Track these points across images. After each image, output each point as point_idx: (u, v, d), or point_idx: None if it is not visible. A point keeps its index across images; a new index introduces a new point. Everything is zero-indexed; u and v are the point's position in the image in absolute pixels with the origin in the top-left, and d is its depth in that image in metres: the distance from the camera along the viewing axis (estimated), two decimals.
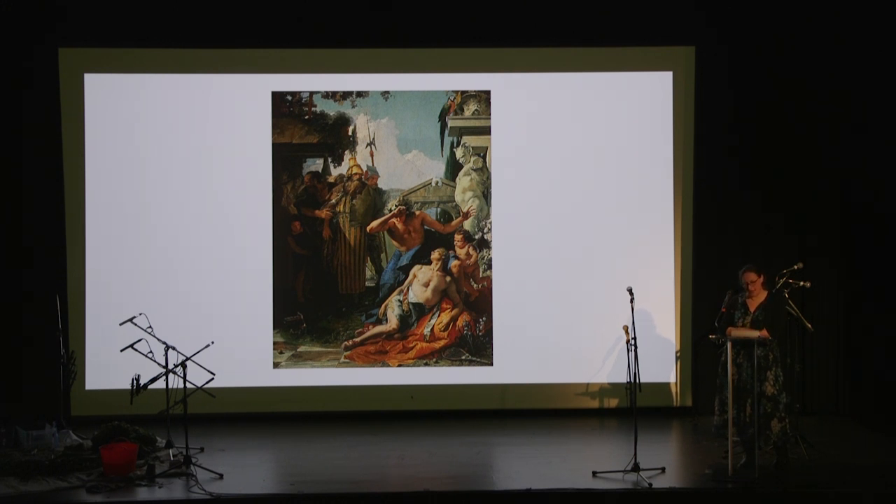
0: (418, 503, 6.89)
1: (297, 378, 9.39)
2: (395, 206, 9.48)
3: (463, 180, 9.51)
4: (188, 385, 7.56)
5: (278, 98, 9.41)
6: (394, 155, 9.49)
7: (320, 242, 9.47)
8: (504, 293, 9.47)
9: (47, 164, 9.21)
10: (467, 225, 9.52)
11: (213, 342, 7.91)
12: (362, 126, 9.46)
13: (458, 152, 9.50)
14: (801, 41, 9.39)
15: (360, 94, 9.44)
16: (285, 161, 9.43)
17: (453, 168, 9.51)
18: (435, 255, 9.51)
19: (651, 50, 9.48)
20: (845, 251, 9.49)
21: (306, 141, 9.45)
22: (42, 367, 8.99)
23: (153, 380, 7.71)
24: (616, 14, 9.36)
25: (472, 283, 9.52)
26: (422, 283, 9.49)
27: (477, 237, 9.52)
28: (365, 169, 9.48)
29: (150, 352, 7.90)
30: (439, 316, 9.50)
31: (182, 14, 9.22)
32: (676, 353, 9.47)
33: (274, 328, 9.39)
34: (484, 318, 9.49)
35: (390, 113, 9.47)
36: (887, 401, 9.21)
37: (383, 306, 9.48)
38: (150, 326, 7.90)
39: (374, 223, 9.49)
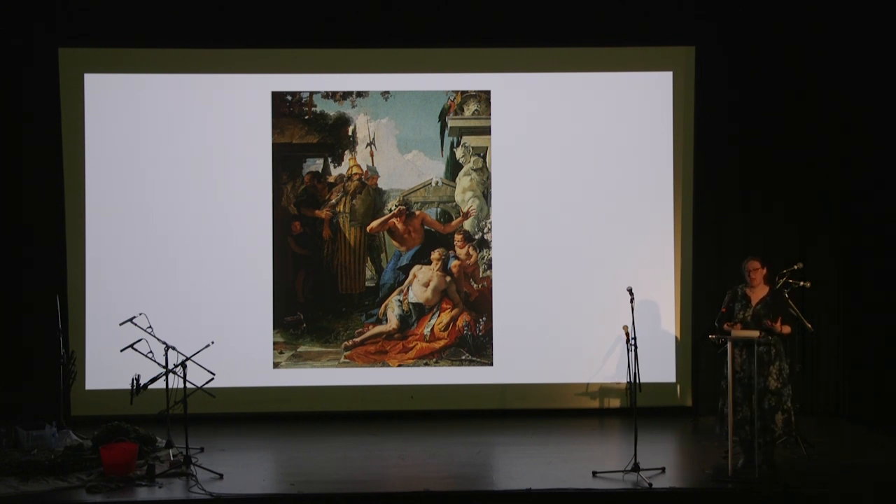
0: (418, 503, 6.89)
1: (297, 378, 9.39)
2: (395, 206, 9.48)
3: (463, 180, 9.51)
4: (188, 385, 7.56)
5: (278, 98, 9.41)
6: (394, 155, 9.49)
7: (320, 242, 9.47)
8: (504, 293, 9.47)
9: (47, 164, 9.21)
10: (467, 225, 9.52)
11: (213, 342, 7.91)
12: (362, 126, 9.46)
13: (458, 152, 9.50)
14: (801, 40, 9.40)
15: (360, 94, 9.44)
16: (285, 161, 9.43)
17: (453, 168, 9.51)
18: (435, 255, 9.51)
19: (651, 50, 9.48)
20: (845, 251, 9.49)
21: (306, 141, 9.45)
22: (42, 367, 9.00)
23: (153, 380, 7.71)
24: (616, 14, 9.36)
25: (472, 283, 9.52)
26: (422, 283, 9.49)
27: (477, 237, 9.52)
28: (365, 169, 9.48)
29: (150, 352, 7.89)
30: (439, 316, 9.50)
31: (182, 14, 9.22)
32: (677, 352, 9.47)
33: (274, 328, 9.39)
34: (484, 318, 9.49)
35: (390, 113, 9.47)
36: (887, 401, 9.21)
37: (383, 306, 9.48)
38: (150, 326, 7.90)
39: (374, 223, 9.49)
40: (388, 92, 9.46)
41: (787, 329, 7.49)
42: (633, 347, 7.36)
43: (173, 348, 7.73)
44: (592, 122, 9.49)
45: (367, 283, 9.49)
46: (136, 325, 7.91)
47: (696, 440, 8.51)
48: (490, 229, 9.50)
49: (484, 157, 9.50)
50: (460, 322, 9.50)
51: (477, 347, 9.49)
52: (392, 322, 9.48)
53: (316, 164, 9.47)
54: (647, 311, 9.21)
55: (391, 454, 8.08)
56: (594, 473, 7.28)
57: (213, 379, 7.82)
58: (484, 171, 9.50)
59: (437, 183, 9.51)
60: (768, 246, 9.37)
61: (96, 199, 9.29)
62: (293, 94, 9.43)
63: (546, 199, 9.48)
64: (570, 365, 9.43)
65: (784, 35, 9.39)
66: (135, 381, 7.65)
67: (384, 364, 9.45)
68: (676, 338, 9.47)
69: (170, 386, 7.72)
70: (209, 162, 9.37)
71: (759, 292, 7.55)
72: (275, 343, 9.39)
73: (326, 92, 9.45)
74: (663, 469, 7.42)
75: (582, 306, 9.44)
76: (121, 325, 8.01)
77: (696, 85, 9.43)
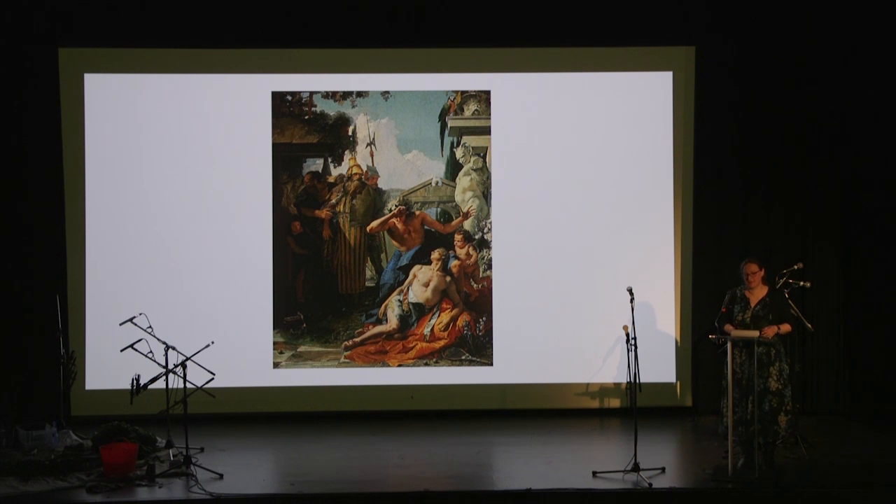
0: (418, 503, 6.89)
1: (297, 378, 9.39)
2: (395, 206, 9.48)
3: (463, 180, 9.51)
4: (188, 385, 7.56)
5: (278, 98, 9.41)
6: (394, 155, 9.49)
7: (320, 242, 9.47)
8: (504, 293, 9.47)
9: (47, 164, 9.21)
10: (467, 225, 9.52)
11: (213, 342, 7.92)
12: (362, 126, 9.46)
13: (458, 152, 9.50)
14: (801, 40, 9.40)
15: (360, 94, 9.44)
16: (285, 161, 9.43)
17: (453, 168, 9.51)
18: (435, 255, 9.51)
19: (651, 50, 9.48)
20: (846, 251, 9.49)
21: (306, 141, 9.45)
22: (42, 367, 9.00)
23: (153, 380, 7.71)
24: (616, 14, 9.36)
25: (472, 283, 9.52)
26: (422, 283, 9.49)
27: (477, 237, 9.52)
28: (365, 169, 9.48)
29: (150, 352, 7.90)
30: (439, 316, 9.50)
31: (182, 14, 9.22)
32: (676, 352, 9.47)
33: (274, 328, 9.39)
34: (484, 318, 9.49)
35: (390, 113, 9.47)
36: (887, 401, 9.21)
37: (383, 306, 9.48)
38: (150, 326, 7.90)
39: (374, 223, 9.49)
40: (388, 92, 9.46)
41: (786, 327, 7.49)
42: (633, 347, 7.37)
43: (173, 348, 7.74)
44: (592, 123, 9.49)
45: (367, 283, 9.49)
46: (136, 325, 7.91)
47: (696, 440, 8.51)
48: (490, 229, 9.50)
49: (484, 157, 9.50)
50: (460, 322, 9.50)
51: (477, 347, 9.49)
52: (392, 322, 9.48)
53: (316, 164, 9.47)
54: (646, 312, 9.21)
55: (391, 454, 8.08)
56: (594, 473, 7.28)
57: (213, 379, 7.82)
58: (484, 171, 9.50)
59: (437, 183, 9.51)
60: (768, 246, 9.38)
61: (96, 199, 9.29)
62: (293, 94, 9.43)
63: (546, 199, 9.48)
64: (570, 365, 9.43)
65: (784, 34, 9.39)
66: (135, 381, 7.65)
67: (384, 364, 9.45)
68: (676, 338, 9.47)
69: (170, 386, 7.73)
70: (209, 162, 9.37)
71: (758, 293, 7.55)
72: (275, 343, 9.39)
73: (326, 92, 9.45)
74: (663, 469, 7.42)
75: (582, 306, 9.44)
76: (121, 325, 8.01)
77: (696, 85, 9.42)
